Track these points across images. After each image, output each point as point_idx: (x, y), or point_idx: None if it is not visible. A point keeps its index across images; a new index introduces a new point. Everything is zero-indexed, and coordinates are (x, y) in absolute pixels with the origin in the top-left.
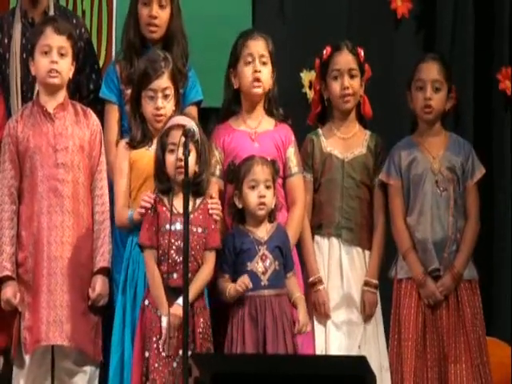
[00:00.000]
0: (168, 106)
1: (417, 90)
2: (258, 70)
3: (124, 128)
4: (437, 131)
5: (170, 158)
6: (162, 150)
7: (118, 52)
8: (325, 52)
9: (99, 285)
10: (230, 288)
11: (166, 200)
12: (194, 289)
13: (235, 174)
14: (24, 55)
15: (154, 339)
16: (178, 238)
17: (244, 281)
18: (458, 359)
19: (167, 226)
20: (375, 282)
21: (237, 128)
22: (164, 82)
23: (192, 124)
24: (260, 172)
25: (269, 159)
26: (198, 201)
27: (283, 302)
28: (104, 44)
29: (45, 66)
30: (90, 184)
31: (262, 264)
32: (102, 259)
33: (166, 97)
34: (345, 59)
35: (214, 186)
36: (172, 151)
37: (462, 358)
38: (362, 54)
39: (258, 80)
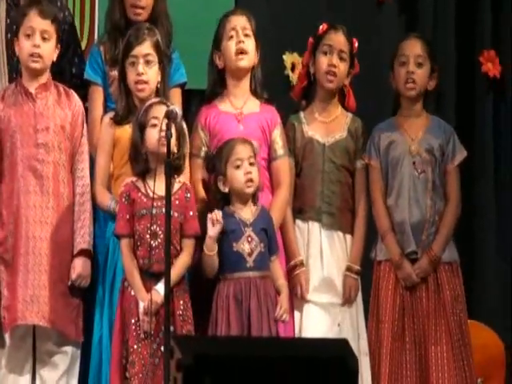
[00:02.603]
0: (150, 72)
1: (399, 65)
2: (242, 41)
3: (108, 109)
4: (418, 112)
5: (153, 133)
6: (141, 128)
7: (102, 34)
8: (321, 27)
9: (79, 266)
10: (207, 239)
11: (140, 184)
12: (173, 275)
13: (216, 160)
14: (9, 35)
15: (133, 321)
16: (153, 223)
17: (214, 213)
18: (438, 341)
19: (143, 211)
20: (357, 267)
21: (222, 109)
22: (145, 48)
23: (174, 105)
24: (243, 150)
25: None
26: (176, 186)
27: (268, 285)
28: (87, 25)
29: (27, 49)
30: (71, 165)
31: (248, 245)
32: (83, 241)
33: (147, 63)
34: (339, 39)
35: (198, 169)
36: (154, 125)
37: (443, 340)
38: (356, 45)
39: (242, 51)
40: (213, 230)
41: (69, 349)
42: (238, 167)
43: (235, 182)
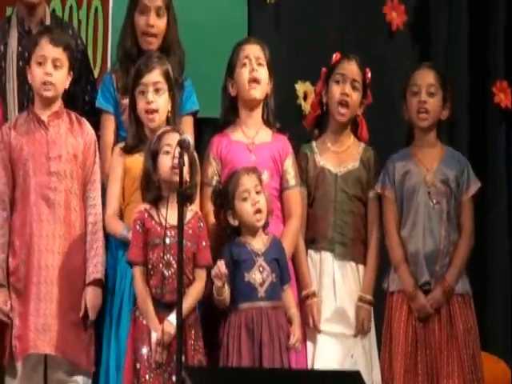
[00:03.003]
0: (160, 100)
1: (412, 95)
2: (255, 69)
3: (120, 138)
4: (432, 142)
5: (165, 160)
6: (153, 156)
7: (114, 62)
8: (334, 57)
9: (91, 296)
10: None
11: (154, 213)
12: (185, 306)
13: (223, 194)
14: (20, 63)
15: (145, 351)
16: (167, 252)
17: (218, 265)
18: (450, 374)
19: (156, 240)
20: (369, 297)
21: (234, 138)
22: (155, 76)
23: (186, 134)
24: (248, 181)
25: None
26: (189, 215)
27: (279, 315)
28: (100, 53)
29: (39, 77)
30: (83, 193)
31: (260, 275)
32: (95, 271)
33: (157, 91)
34: (352, 68)
35: (210, 198)
36: (167, 153)
37: (455, 373)
38: (369, 75)
39: (255, 80)
40: (219, 282)
41: (80, 378)
42: (245, 199)
43: (244, 214)
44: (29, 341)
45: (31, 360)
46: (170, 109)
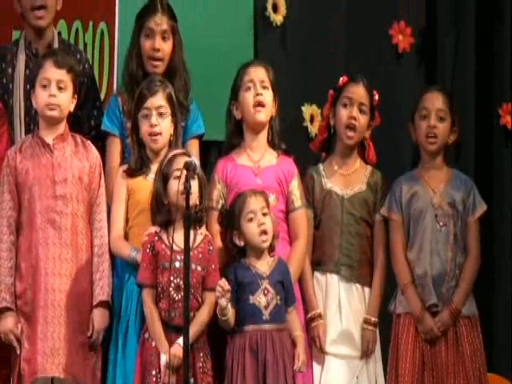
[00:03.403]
0: (163, 124)
1: (421, 118)
2: (260, 93)
3: (126, 160)
4: (439, 165)
5: (175, 185)
6: (164, 179)
7: (119, 85)
8: (341, 79)
9: (98, 318)
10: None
11: (164, 236)
12: (193, 330)
13: (231, 215)
14: (28, 86)
15: (154, 373)
16: (177, 276)
17: (220, 283)
18: None
19: (166, 264)
20: (374, 319)
21: (239, 162)
22: (158, 99)
23: (193, 157)
24: (254, 202)
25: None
26: (199, 238)
27: (284, 337)
28: (105, 76)
29: (43, 100)
30: (89, 216)
31: (264, 298)
32: (102, 293)
33: (160, 115)
34: (359, 91)
35: (216, 221)
36: (178, 177)
37: None
38: (377, 97)
39: (260, 104)
40: (223, 301)
41: None
42: (251, 220)
43: (250, 235)
44: (37, 364)
45: (38, 381)
46: (172, 132)
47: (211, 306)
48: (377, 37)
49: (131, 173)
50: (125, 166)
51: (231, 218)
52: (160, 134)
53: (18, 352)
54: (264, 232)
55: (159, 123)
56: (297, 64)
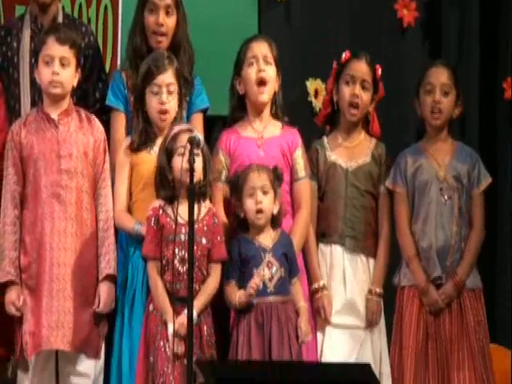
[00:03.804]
0: (172, 102)
1: (425, 93)
2: (262, 69)
3: (131, 135)
4: (444, 138)
5: (179, 161)
6: (168, 155)
7: (123, 60)
8: (344, 55)
9: (105, 292)
10: (240, 295)
11: (169, 210)
12: (200, 302)
13: (235, 186)
14: (33, 60)
15: (162, 343)
16: (181, 249)
17: (254, 281)
18: (461, 366)
19: (171, 237)
20: (379, 290)
21: (243, 134)
22: (168, 77)
23: (196, 132)
24: (256, 178)
25: (270, 167)
26: (203, 211)
27: (289, 309)
28: (109, 51)
29: (46, 77)
30: (93, 191)
31: (268, 271)
32: (108, 266)
33: (170, 93)
34: (361, 68)
35: (219, 192)
36: (182, 154)
37: (466, 364)
38: (380, 72)
39: (262, 81)
40: (249, 297)
41: (91, 371)
42: (250, 195)
43: (247, 210)
44: (42, 337)
45: (43, 353)
46: (177, 108)
47: (217, 277)
48: (381, 11)
49: (135, 147)
50: (128, 141)
51: (236, 189)
52: (168, 112)
53: (21, 325)
54: (259, 211)
55: (169, 101)
56: (301, 39)
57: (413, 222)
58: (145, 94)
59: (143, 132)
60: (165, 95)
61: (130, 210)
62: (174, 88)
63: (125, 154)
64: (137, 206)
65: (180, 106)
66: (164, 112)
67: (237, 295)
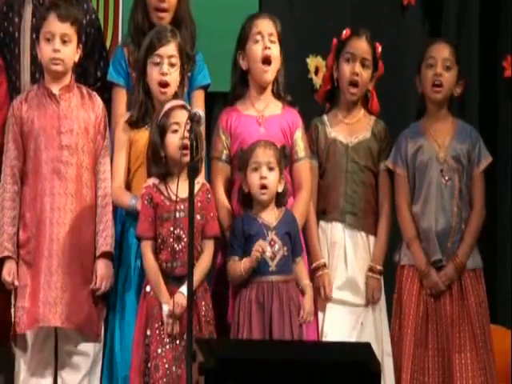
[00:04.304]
0: (174, 75)
1: (427, 67)
2: (268, 47)
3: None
4: (444, 116)
5: (174, 139)
6: (161, 131)
7: (125, 36)
8: (344, 32)
9: (102, 269)
10: (245, 261)
11: (162, 187)
12: (196, 278)
13: (242, 160)
14: (34, 36)
15: (156, 325)
16: (177, 226)
17: (260, 244)
18: (462, 348)
19: (166, 215)
20: (379, 268)
21: (244, 112)
22: (170, 49)
23: (197, 109)
24: (262, 154)
25: (278, 144)
26: (196, 187)
27: (290, 288)
28: (110, 27)
29: (47, 54)
30: (93, 168)
31: (271, 249)
32: (105, 243)
33: (171, 65)
34: (361, 46)
35: (220, 172)
36: (176, 131)
37: (467, 347)
38: (380, 49)
39: (267, 60)
40: (256, 261)
41: (90, 350)
42: (255, 170)
43: (251, 185)
44: (39, 314)
45: (41, 333)
46: (178, 83)
47: (210, 253)
48: None
49: (134, 123)
50: (127, 116)
51: (242, 163)
52: (169, 85)
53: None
54: (264, 186)
55: (170, 73)
56: (301, 15)
57: (413, 203)
58: (146, 66)
59: (143, 105)
60: (166, 66)
61: (128, 187)
62: (176, 61)
63: (123, 130)
64: (136, 181)
65: (182, 82)
66: (164, 84)
67: (241, 263)
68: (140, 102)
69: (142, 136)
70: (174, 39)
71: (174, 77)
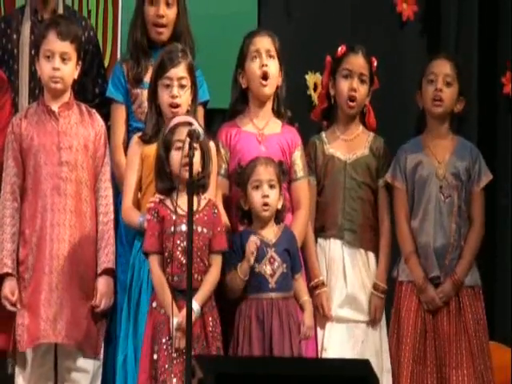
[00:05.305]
0: (184, 96)
1: (428, 83)
2: (265, 64)
3: (131, 128)
4: (444, 133)
5: (177, 155)
6: (166, 148)
7: (124, 52)
8: (340, 49)
9: (103, 286)
10: (241, 264)
11: (168, 202)
12: (202, 293)
13: (241, 177)
14: (33, 52)
15: (164, 340)
16: (183, 240)
17: (252, 240)
18: (459, 365)
19: (172, 229)
20: (383, 286)
21: (244, 128)
22: (180, 71)
23: (196, 124)
24: (263, 172)
25: (276, 160)
26: (203, 202)
27: (290, 305)
28: (109, 43)
29: (47, 72)
30: (93, 184)
31: (270, 266)
32: (107, 260)
33: (182, 87)
34: (358, 62)
35: (219, 186)
36: (179, 148)
37: (464, 363)
38: (375, 64)
39: (265, 77)
40: (252, 257)
41: (90, 367)
42: (256, 188)
43: (252, 203)
44: (40, 330)
45: (41, 349)
46: (190, 102)
47: (218, 268)
48: (381, 5)
49: (147, 140)
50: (140, 133)
51: (242, 179)
52: (180, 105)
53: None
54: (266, 204)
55: (181, 95)
56: (300, 32)
57: (412, 218)
58: (157, 87)
59: (156, 125)
60: (176, 88)
61: (140, 203)
62: (187, 82)
63: (136, 147)
64: (147, 197)
65: (194, 100)
66: (175, 106)
67: (238, 269)
68: (153, 122)
69: (154, 152)
70: (185, 60)
71: (184, 98)
